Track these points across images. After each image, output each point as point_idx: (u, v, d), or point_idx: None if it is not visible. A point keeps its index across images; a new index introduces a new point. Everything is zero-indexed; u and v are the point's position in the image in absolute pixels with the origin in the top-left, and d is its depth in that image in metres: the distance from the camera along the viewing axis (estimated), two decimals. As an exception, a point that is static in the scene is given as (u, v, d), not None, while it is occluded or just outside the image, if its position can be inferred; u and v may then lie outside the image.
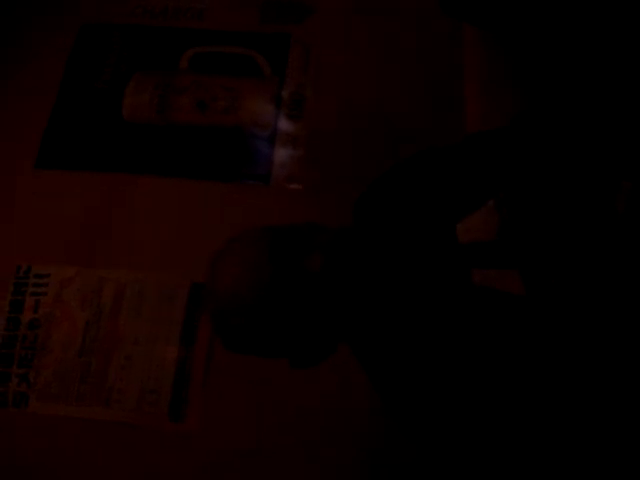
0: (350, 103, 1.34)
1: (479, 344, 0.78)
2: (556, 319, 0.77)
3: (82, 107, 1.36)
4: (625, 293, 0.75)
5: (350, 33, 1.41)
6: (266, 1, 1.47)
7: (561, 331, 0.76)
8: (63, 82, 1.39)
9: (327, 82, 1.37)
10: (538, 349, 0.76)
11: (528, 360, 0.76)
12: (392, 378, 0.83)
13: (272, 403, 1.11)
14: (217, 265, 0.84)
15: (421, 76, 1.36)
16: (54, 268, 1.19)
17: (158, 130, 1.31)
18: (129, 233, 1.23)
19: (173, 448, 1.10)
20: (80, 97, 1.37)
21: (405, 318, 0.81)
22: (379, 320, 0.82)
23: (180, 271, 1.18)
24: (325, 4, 1.45)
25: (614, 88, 0.99)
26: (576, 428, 0.77)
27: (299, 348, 0.83)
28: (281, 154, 1.29)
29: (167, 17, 1.46)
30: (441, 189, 0.84)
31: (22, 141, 1.33)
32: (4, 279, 1.18)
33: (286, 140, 1.31)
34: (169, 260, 1.20)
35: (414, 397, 0.81)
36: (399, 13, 1.40)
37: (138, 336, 1.14)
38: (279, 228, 0.83)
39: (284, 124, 1.32)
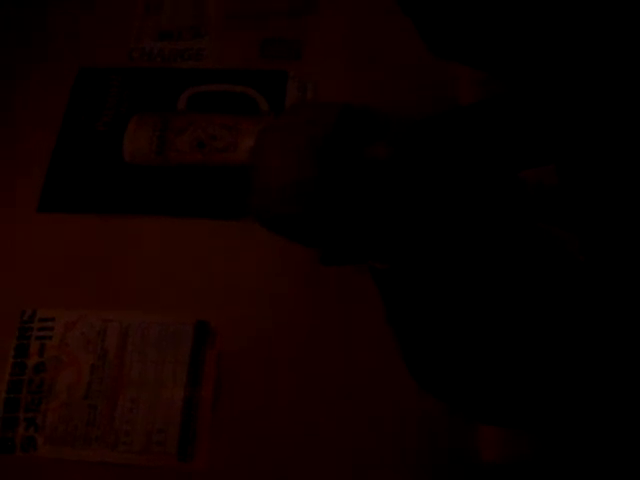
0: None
1: (534, 291, 0.74)
2: (612, 293, 0.74)
3: (83, 150, 1.37)
4: None
5: (346, 68, 1.42)
6: (264, 38, 1.49)
7: (615, 305, 0.73)
8: (63, 125, 1.40)
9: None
10: (591, 315, 0.73)
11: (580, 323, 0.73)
12: (426, 310, 0.78)
13: (280, 442, 1.10)
14: (266, 134, 0.77)
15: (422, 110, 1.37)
16: (58, 311, 1.19)
17: (159, 171, 1.32)
18: (132, 274, 1.24)
19: (182, 488, 1.10)
20: (81, 140, 1.38)
21: (458, 245, 0.76)
22: (428, 237, 0.76)
23: (184, 310, 1.19)
24: (321, 39, 1.47)
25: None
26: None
27: (337, 241, 0.77)
28: (281, 190, 1.30)
29: (165, 59, 1.48)
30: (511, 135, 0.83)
31: (24, 185, 1.34)
32: (9, 324, 1.18)
33: (286, 176, 1.31)
34: (173, 299, 1.20)
35: (446, 339, 0.77)
36: (395, 49, 1.41)
37: (144, 377, 1.14)
38: (349, 105, 0.76)
39: (283, 160, 1.32)
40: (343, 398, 1.11)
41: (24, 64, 1.46)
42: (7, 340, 1.17)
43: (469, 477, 1.05)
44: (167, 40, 1.50)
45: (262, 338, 1.16)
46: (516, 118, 0.88)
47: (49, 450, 1.10)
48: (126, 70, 1.47)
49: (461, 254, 0.77)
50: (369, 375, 1.12)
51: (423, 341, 0.81)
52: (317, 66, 1.44)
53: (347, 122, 0.74)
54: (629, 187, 0.77)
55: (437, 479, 1.07)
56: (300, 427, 1.10)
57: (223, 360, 1.15)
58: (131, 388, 1.13)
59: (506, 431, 0.96)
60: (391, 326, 0.84)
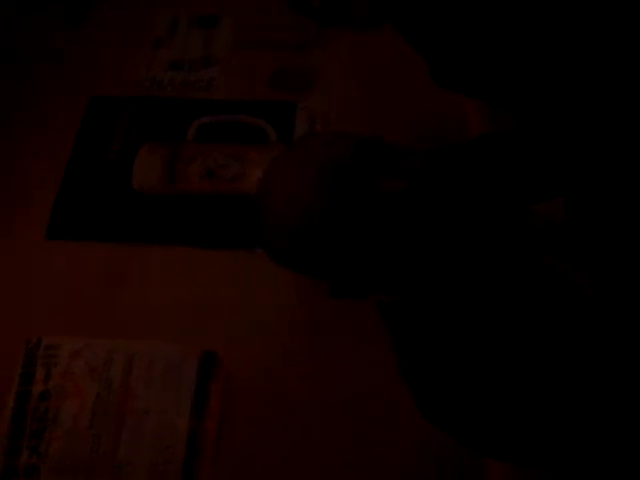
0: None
1: (542, 328, 0.74)
2: (619, 327, 0.74)
3: (93, 178, 1.38)
4: None
5: (356, 100, 1.43)
6: (273, 70, 1.50)
7: (622, 339, 0.73)
8: (74, 153, 1.41)
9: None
10: (599, 351, 0.73)
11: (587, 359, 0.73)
12: (433, 345, 0.78)
13: (285, 476, 1.09)
14: (276, 168, 0.78)
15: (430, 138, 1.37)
16: (64, 339, 1.18)
17: (168, 200, 1.32)
18: (139, 303, 1.23)
19: (185, 520, 1.08)
20: (91, 168, 1.39)
21: (465, 278, 0.76)
22: (436, 270, 0.77)
23: (191, 340, 1.18)
24: (330, 72, 1.48)
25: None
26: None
27: (344, 273, 0.77)
28: (290, 221, 1.30)
29: (175, 88, 1.49)
30: (521, 169, 0.82)
31: (33, 212, 1.34)
32: (15, 351, 1.17)
33: (294, 207, 1.31)
34: (179, 329, 1.20)
35: (455, 373, 0.77)
36: (404, 81, 1.42)
37: (148, 406, 1.13)
38: (363, 139, 0.76)
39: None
40: (350, 432, 1.10)
41: (36, 92, 1.47)
42: (13, 367, 1.16)
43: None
44: (178, 70, 1.51)
45: (269, 369, 1.15)
46: (525, 151, 0.88)
47: (52, 479, 1.10)
48: (137, 99, 1.48)
49: (468, 287, 0.77)
50: (377, 409, 1.11)
51: (430, 373, 0.81)
52: (327, 97, 1.45)
53: (362, 154, 0.75)
54: (637, 221, 0.77)
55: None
56: (306, 462, 1.09)
57: (229, 392, 1.15)
58: (135, 418, 1.12)
59: (514, 467, 0.95)
60: (398, 359, 0.84)
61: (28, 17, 1.56)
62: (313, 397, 1.13)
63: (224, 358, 1.16)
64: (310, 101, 1.45)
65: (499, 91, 1.07)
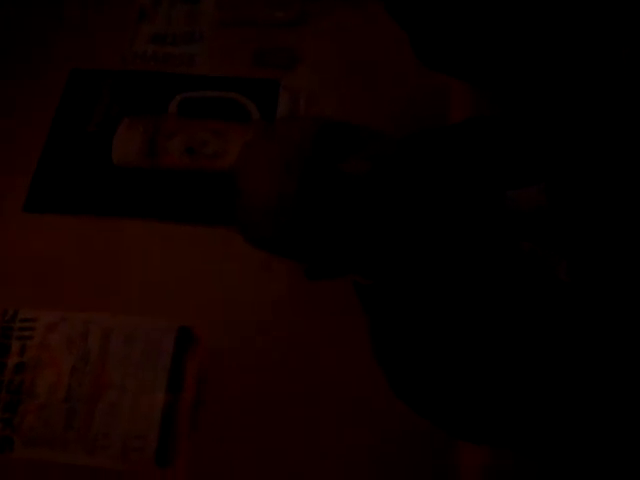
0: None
1: (518, 317, 0.75)
2: (599, 311, 0.74)
3: (72, 150, 1.37)
4: None
5: (339, 79, 1.43)
6: (257, 47, 1.49)
7: (602, 323, 0.74)
8: (53, 126, 1.40)
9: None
10: (578, 337, 0.74)
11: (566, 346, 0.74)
12: (407, 327, 0.79)
13: (260, 449, 1.10)
14: (246, 153, 0.79)
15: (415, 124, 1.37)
16: (41, 312, 1.18)
17: (147, 174, 1.32)
18: (116, 276, 1.23)
19: (160, 494, 1.09)
20: (70, 140, 1.38)
21: (439, 262, 0.76)
22: (408, 253, 0.77)
23: (167, 315, 1.18)
24: (314, 51, 1.47)
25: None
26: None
27: (317, 256, 0.78)
28: (270, 198, 1.29)
29: (158, 62, 1.48)
30: (499, 153, 0.83)
31: (11, 184, 1.33)
32: (-10, 323, 1.17)
33: (275, 184, 1.31)
34: (156, 304, 1.20)
35: (430, 358, 0.78)
36: (388, 61, 1.41)
37: (124, 381, 1.13)
38: (328, 122, 0.77)
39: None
40: (328, 406, 1.11)
41: (16, 63, 1.46)
42: (-12, 339, 1.16)
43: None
44: (160, 44, 1.50)
45: (246, 344, 1.16)
46: (506, 135, 0.89)
47: (26, 451, 1.10)
48: (118, 72, 1.47)
49: (442, 271, 0.77)
50: (354, 387, 1.11)
51: (405, 355, 0.81)
52: (310, 76, 1.45)
53: (325, 138, 0.75)
54: (618, 207, 0.78)
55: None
56: (281, 436, 1.10)
57: (205, 367, 1.15)
58: (111, 392, 1.12)
59: (488, 448, 0.96)
60: (373, 340, 0.84)
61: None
62: (290, 371, 1.14)
63: (201, 334, 1.16)
64: (293, 79, 1.44)
65: (483, 71, 1.07)
